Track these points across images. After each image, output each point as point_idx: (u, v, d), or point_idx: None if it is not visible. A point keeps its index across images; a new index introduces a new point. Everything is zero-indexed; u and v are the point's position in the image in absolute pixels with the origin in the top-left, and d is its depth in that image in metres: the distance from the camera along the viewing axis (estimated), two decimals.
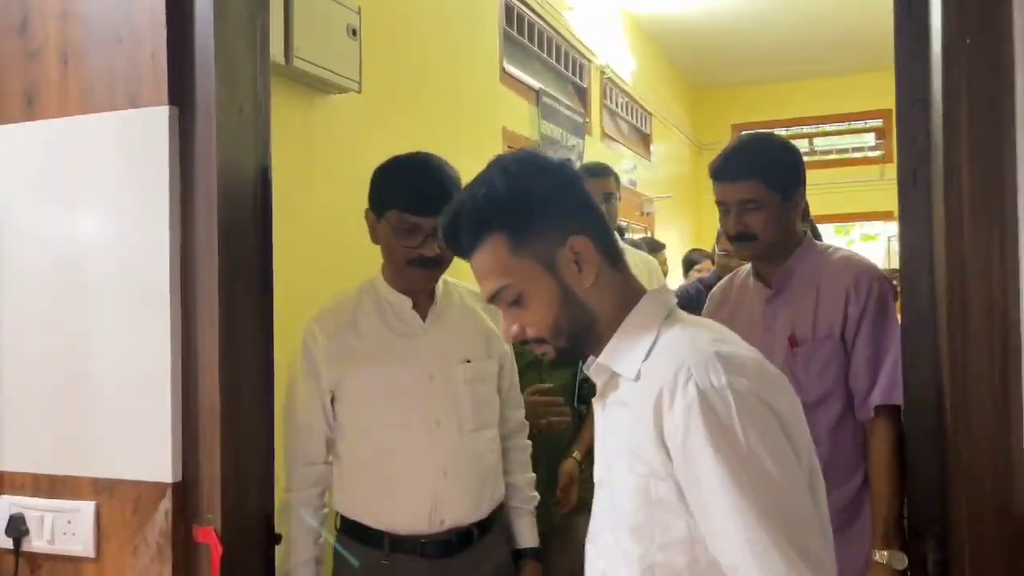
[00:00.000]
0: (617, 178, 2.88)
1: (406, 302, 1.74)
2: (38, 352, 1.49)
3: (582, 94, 5.32)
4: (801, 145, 8.43)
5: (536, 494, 1.91)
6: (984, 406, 0.99)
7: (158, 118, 1.41)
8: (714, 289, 2.08)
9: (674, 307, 1.14)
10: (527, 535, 1.88)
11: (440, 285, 1.79)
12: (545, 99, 4.44)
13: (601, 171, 2.88)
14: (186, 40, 1.41)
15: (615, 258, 1.15)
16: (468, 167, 3.43)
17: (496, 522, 1.81)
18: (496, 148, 3.80)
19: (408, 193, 1.66)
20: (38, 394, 1.49)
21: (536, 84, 4.40)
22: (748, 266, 1.94)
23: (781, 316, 1.79)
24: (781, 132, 8.58)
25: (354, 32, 2.38)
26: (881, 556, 1.60)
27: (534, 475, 1.93)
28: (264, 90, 1.52)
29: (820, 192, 7.46)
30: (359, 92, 2.44)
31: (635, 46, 6.16)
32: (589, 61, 5.34)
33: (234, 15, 1.45)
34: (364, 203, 2.65)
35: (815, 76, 7.46)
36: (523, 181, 1.10)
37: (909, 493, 1.25)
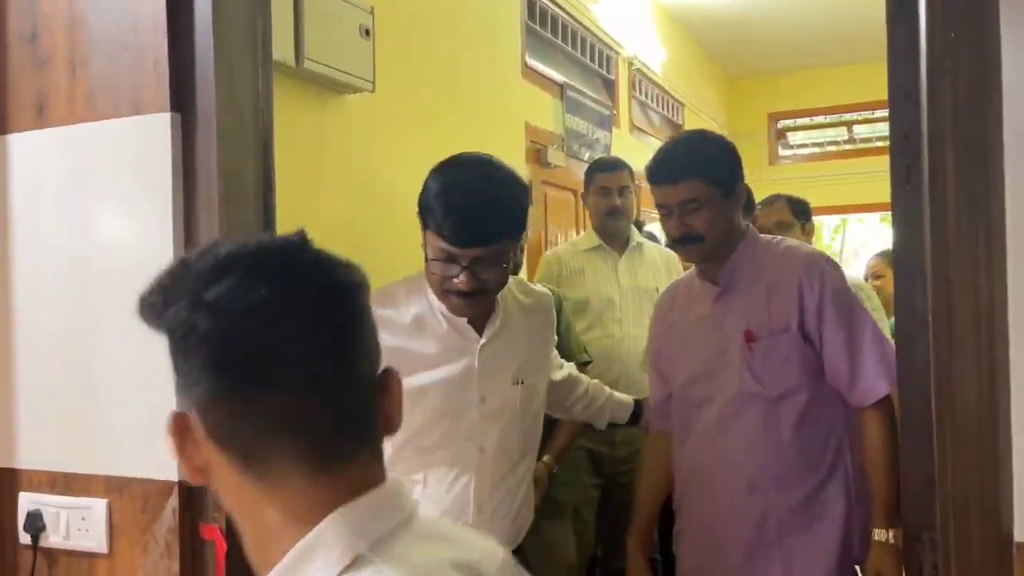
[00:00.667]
0: (631, 171, 2.86)
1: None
2: (52, 354, 1.53)
3: (609, 86, 5.29)
4: (839, 133, 8.30)
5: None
6: (969, 406, 0.97)
7: (160, 124, 1.44)
8: (660, 296, 2.05)
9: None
10: (621, 403, 1.94)
11: (503, 293, 1.60)
12: (570, 93, 4.42)
13: (612, 165, 2.86)
14: (186, 47, 1.44)
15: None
16: None
17: (523, 546, 1.68)
18: (519, 144, 3.80)
19: (449, 221, 1.43)
20: (53, 394, 1.53)
21: (560, 78, 4.38)
22: (692, 269, 1.90)
23: (732, 313, 1.75)
24: (819, 119, 8.48)
25: (367, 32, 2.40)
26: (882, 535, 1.58)
27: (609, 391, 1.97)
28: (266, 94, 1.54)
29: (860, 180, 7.34)
30: (372, 92, 2.46)
31: (666, 36, 6.10)
32: (616, 53, 5.30)
33: (234, 20, 1.47)
34: (378, 204, 2.67)
35: (852, 62, 7.31)
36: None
37: (902, 494, 1.23)
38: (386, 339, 1.37)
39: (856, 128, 8.42)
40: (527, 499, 1.66)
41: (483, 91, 3.45)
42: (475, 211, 1.43)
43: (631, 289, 2.69)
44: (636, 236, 2.79)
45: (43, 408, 1.54)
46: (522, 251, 2.33)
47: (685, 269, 2.39)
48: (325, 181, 2.42)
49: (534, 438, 1.66)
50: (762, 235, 1.85)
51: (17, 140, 1.56)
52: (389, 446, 1.35)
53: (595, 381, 1.99)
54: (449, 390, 1.52)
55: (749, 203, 2.41)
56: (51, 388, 1.54)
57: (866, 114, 8.19)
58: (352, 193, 2.52)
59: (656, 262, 2.79)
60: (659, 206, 1.76)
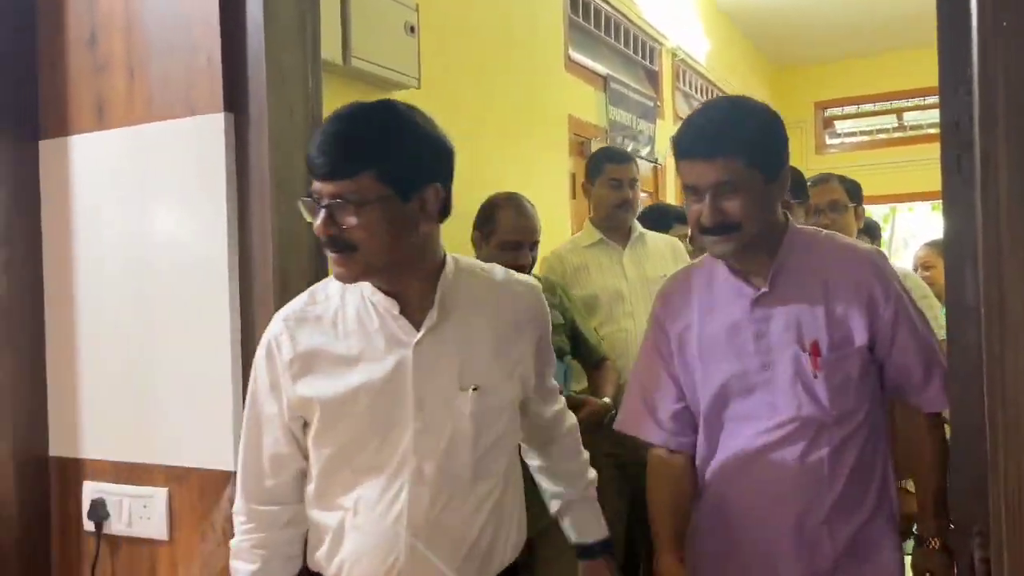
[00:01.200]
0: (636, 163, 2.84)
1: (392, 305, 1.28)
2: (114, 349, 1.59)
3: (653, 78, 5.25)
4: (889, 120, 8.14)
5: (594, 475, 1.57)
6: (1022, 397, 0.96)
7: (214, 124, 1.48)
8: (665, 287, 1.68)
9: None
10: (592, 526, 1.53)
11: (445, 274, 1.31)
12: (613, 85, 4.41)
13: (623, 156, 2.79)
14: (238, 48, 1.48)
15: None
16: (532, 158, 3.44)
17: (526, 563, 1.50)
18: (562, 137, 3.80)
19: (312, 145, 1.23)
20: (115, 388, 1.59)
21: (604, 70, 4.37)
22: (705, 260, 1.60)
23: (778, 319, 1.49)
24: (868, 107, 8.31)
25: (412, 29, 2.42)
26: (929, 534, 1.47)
27: (587, 455, 1.57)
28: (315, 92, 1.57)
29: (910, 168, 7.19)
30: (418, 88, 2.49)
31: (710, 26, 6.04)
32: (660, 44, 5.27)
33: (284, 20, 1.51)
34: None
35: (901, 48, 7.15)
36: None
37: (951, 489, 1.22)
38: (310, 339, 1.29)
39: (906, 115, 8.24)
40: (500, 526, 1.33)
41: (526, 85, 3.46)
42: (332, 137, 1.20)
43: (639, 280, 2.63)
44: (637, 227, 2.73)
45: (106, 401, 1.60)
46: (533, 248, 2.27)
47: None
48: None
49: (497, 459, 1.33)
50: (802, 227, 1.62)
51: (79, 142, 1.61)
52: (316, 467, 1.29)
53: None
54: (378, 395, 1.26)
55: (798, 185, 2.18)
56: (113, 382, 1.59)
57: (917, 100, 8.01)
58: None
59: (661, 250, 2.74)
60: (687, 187, 1.47)
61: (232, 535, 1.33)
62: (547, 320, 1.43)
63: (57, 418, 1.64)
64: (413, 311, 1.28)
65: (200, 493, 1.50)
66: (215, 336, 1.48)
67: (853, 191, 2.66)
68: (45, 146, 1.65)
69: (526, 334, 1.37)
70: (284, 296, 1.46)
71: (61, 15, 1.63)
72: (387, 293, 1.28)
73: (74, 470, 1.62)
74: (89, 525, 1.59)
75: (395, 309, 1.28)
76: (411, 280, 1.28)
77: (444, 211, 1.28)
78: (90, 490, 1.60)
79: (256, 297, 1.48)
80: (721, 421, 1.54)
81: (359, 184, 1.18)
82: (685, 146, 1.47)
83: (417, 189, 1.22)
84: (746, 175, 1.42)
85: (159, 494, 1.53)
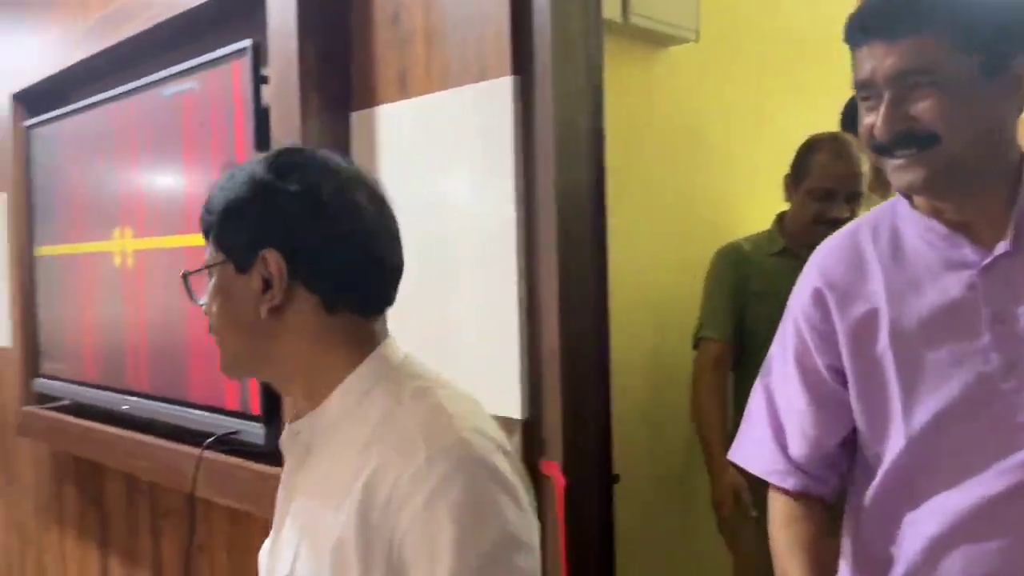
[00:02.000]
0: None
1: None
2: (413, 304, 1.72)
3: None
4: None
5: None
6: None
7: (502, 88, 1.54)
8: (813, 263, 1.17)
9: None
10: None
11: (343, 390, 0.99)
12: None
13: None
14: (525, 11, 1.52)
15: None
16: (814, 120, 3.21)
17: None
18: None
19: None
20: (414, 339, 1.72)
21: None
22: (880, 211, 1.14)
23: None
24: None
25: None
26: None
27: None
28: (596, 52, 1.58)
29: None
30: (696, 41, 2.42)
31: None
32: None
33: None
34: (708, 157, 2.61)
35: None
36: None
37: None
38: None
39: None
40: None
41: (815, 38, 3.23)
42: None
43: None
44: None
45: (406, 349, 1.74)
46: (852, 200, 2.02)
47: None
48: (651, 136, 2.44)
49: None
50: None
51: (384, 111, 1.76)
52: None
53: None
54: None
55: None
56: (413, 337, 1.72)
57: None
58: (679, 148, 2.51)
59: None
60: (860, 85, 1.06)
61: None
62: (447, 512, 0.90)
63: None
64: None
65: None
66: (503, 296, 1.56)
67: None
68: (355, 117, 1.81)
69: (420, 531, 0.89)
70: (567, 257, 1.50)
71: None
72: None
73: None
74: None
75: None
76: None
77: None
78: None
79: (540, 258, 1.53)
80: (935, 459, 1.04)
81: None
82: (857, 25, 1.05)
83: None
84: (948, 62, 0.97)
85: None
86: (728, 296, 2.24)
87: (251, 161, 0.99)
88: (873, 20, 1.02)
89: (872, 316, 1.07)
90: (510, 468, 0.94)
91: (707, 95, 2.58)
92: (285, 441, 1.05)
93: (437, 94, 1.65)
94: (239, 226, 0.96)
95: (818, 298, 1.12)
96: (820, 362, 1.13)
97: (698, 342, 2.29)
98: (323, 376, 0.99)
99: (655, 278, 2.39)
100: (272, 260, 0.94)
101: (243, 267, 0.96)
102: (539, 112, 1.52)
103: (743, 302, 2.23)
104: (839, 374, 1.13)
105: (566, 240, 1.52)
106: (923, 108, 0.98)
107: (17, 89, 2.90)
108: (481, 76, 1.57)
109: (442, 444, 0.89)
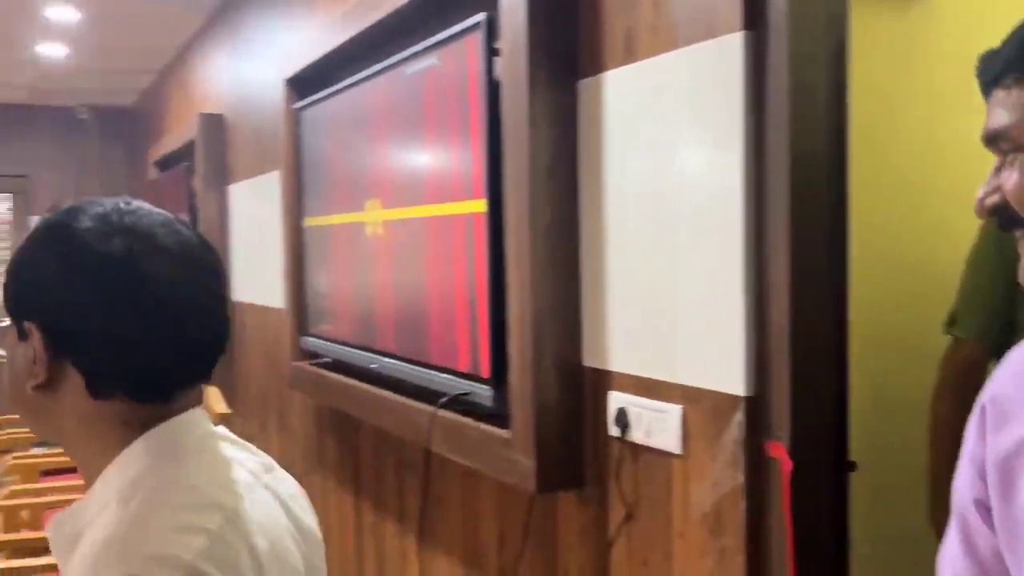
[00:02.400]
0: None
1: None
2: (639, 274, 1.70)
3: None
4: None
5: None
6: None
7: (733, 45, 1.45)
8: (993, 379, 0.86)
9: None
10: None
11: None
12: None
13: None
14: None
15: None
16: None
17: None
18: None
19: None
20: (638, 311, 1.70)
21: None
22: None
23: None
24: None
25: None
26: None
27: None
28: (839, 1, 1.45)
29: None
30: None
31: None
32: None
33: None
34: (970, 120, 2.33)
35: None
36: None
37: None
38: None
39: None
40: None
41: None
42: None
43: None
44: None
45: (631, 321, 1.72)
46: None
47: None
48: (911, 94, 2.20)
49: None
50: None
51: (610, 77, 1.73)
52: None
53: None
54: None
55: None
56: (635, 305, 1.70)
57: None
58: (945, 107, 2.25)
59: None
60: (988, 138, 0.85)
61: (742, 458, 1.33)
62: None
63: (590, 333, 1.82)
64: None
65: (711, 414, 1.54)
66: (727, 265, 1.49)
67: None
68: (582, 84, 1.80)
69: None
70: (800, 230, 1.40)
71: None
72: None
73: (603, 381, 1.79)
74: (614, 430, 1.74)
75: None
76: None
77: None
78: (615, 399, 1.75)
79: (769, 226, 1.44)
80: None
81: None
82: (995, 62, 0.84)
83: None
84: None
85: (674, 410, 1.61)
86: (992, 283, 1.85)
87: (66, 210, 0.89)
88: (993, 67, 0.84)
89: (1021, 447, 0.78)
90: None
91: (978, 44, 2.28)
92: (50, 534, 0.91)
93: (662, 56, 1.60)
94: (10, 288, 0.87)
95: (980, 414, 0.85)
96: (969, 496, 0.85)
97: (951, 338, 1.98)
98: (94, 462, 0.88)
99: (901, 251, 2.17)
100: (34, 334, 0.85)
101: (22, 335, 0.86)
102: (772, 71, 1.42)
103: (1013, 291, 1.80)
104: (989, 512, 0.83)
105: (800, 212, 1.41)
106: None
107: (290, 74, 3.20)
108: (710, 33, 1.50)
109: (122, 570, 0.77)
